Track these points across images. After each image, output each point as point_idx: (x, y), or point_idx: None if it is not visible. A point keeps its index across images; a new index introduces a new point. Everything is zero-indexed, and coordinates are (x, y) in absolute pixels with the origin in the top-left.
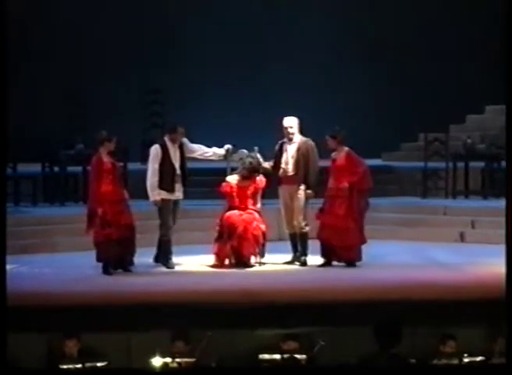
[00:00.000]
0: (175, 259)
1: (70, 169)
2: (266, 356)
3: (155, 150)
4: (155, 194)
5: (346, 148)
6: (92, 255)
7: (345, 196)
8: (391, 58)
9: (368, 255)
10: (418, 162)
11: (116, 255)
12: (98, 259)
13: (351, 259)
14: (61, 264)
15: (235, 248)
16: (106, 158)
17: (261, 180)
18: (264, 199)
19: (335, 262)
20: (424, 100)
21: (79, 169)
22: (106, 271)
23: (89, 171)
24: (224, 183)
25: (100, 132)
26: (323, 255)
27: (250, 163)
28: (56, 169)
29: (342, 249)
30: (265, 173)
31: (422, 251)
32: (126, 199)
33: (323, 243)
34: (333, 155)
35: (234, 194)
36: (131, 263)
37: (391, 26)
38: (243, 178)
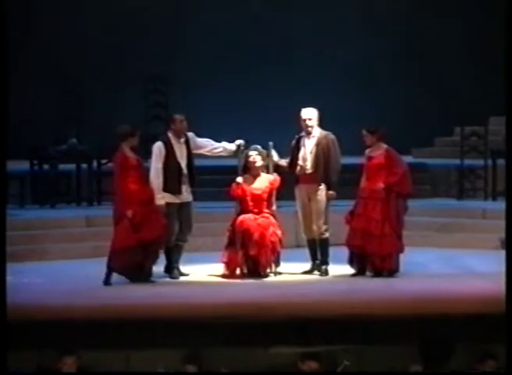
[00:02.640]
0: (180, 268)
1: (62, 166)
2: None
3: (158, 148)
4: (159, 197)
5: (385, 146)
6: (87, 263)
7: (380, 198)
8: (425, 45)
9: None
10: (454, 159)
11: (136, 262)
12: (114, 268)
13: (387, 269)
14: (52, 273)
15: (251, 256)
16: (130, 154)
17: (275, 179)
18: (279, 201)
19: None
20: (461, 89)
21: (72, 166)
22: (107, 281)
23: (113, 168)
24: (234, 185)
25: (125, 125)
26: (353, 263)
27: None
28: (46, 166)
29: (376, 258)
30: (280, 171)
31: (458, 260)
32: (153, 199)
33: (354, 250)
34: (368, 152)
35: (248, 197)
36: (150, 273)
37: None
38: (254, 176)
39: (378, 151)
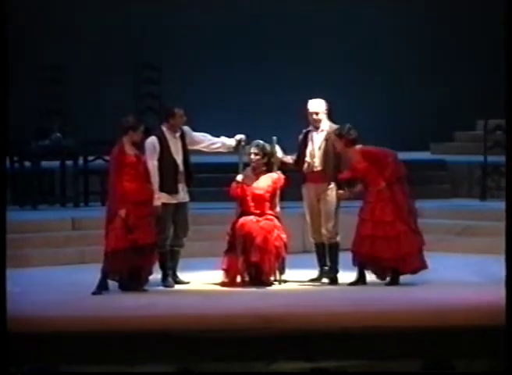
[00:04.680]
0: (179, 276)
1: (45, 163)
2: None
3: (151, 144)
4: (155, 198)
5: (358, 148)
6: (73, 270)
7: (386, 198)
8: (446, 32)
9: None
10: (476, 155)
11: (131, 267)
12: (108, 272)
13: (413, 269)
14: (34, 282)
15: (253, 263)
16: (129, 150)
17: (278, 177)
18: (284, 201)
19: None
20: (485, 79)
21: (56, 163)
22: (99, 290)
23: (109, 164)
24: (234, 184)
25: (127, 117)
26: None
27: (262, 151)
28: (27, 163)
29: (393, 260)
30: (285, 168)
31: (481, 267)
32: (151, 200)
33: (362, 259)
34: (351, 162)
35: (248, 197)
36: (146, 279)
37: None
38: (256, 174)
39: (356, 157)
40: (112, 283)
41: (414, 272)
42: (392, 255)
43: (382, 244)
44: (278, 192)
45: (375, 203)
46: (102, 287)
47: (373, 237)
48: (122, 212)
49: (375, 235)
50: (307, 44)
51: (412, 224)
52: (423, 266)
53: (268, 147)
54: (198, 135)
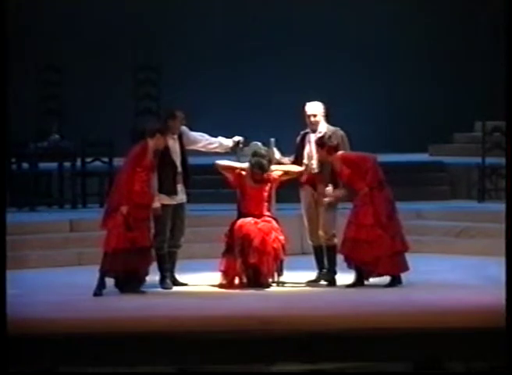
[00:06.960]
0: (177, 277)
1: (43, 165)
2: None
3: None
4: (155, 200)
5: (339, 155)
6: (71, 272)
7: (369, 202)
8: (443, 33)
9: (412, 272)
10: (475, 156)
11: (130, 268)
12: (106, 272)
13: (384, 272)
14: (32, 284)
15: (251, 264)
16: (150, 155)
17: (274, 177)
18: (282, 203)
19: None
20: (482, 80)
21: (54, 165)
22: (99, 291)
23: (126, 159)
24: (238, 171)
25: (153, 122)
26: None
27: (261, 162)
28: (25, 165)
29: (371, 264)
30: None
31: (480, 268)
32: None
33: (349, 261)
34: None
35: (247, 197)
36: (143, 280)
37: None
38: (255, 181)
39: (339, 164)
40: (109, 283)
41: (384, 275)
42: (368, 259)
43: (362, 247)
44: (274, 191)
45: (359, 207)
46: (101, 287)
47: (355, 240)
48: (124, 209)
49: (357, 238)
50: (307, 45)
51: (391, 229)
52: (396, 270)
53: (265, 154)
54: (196, 135)
